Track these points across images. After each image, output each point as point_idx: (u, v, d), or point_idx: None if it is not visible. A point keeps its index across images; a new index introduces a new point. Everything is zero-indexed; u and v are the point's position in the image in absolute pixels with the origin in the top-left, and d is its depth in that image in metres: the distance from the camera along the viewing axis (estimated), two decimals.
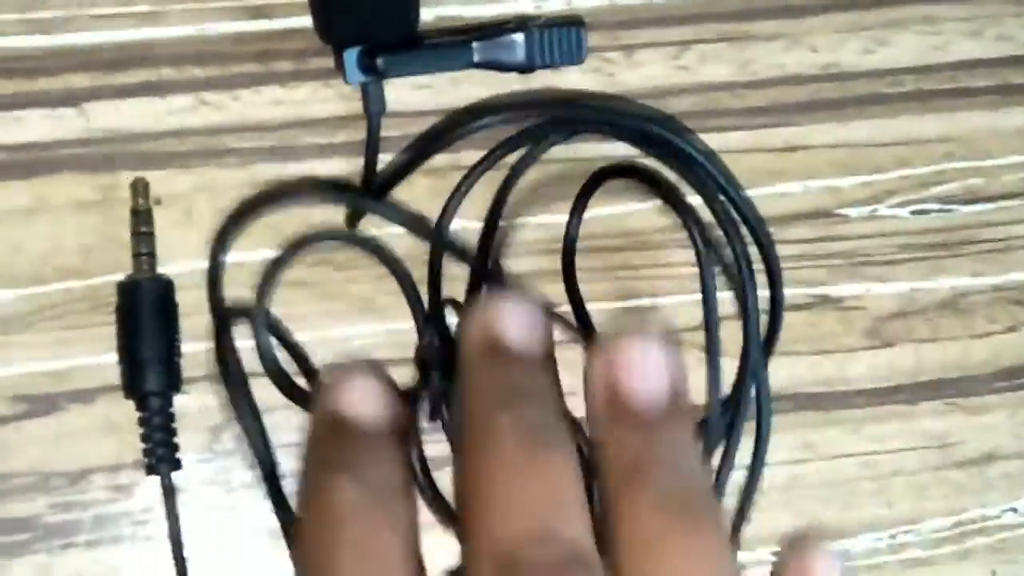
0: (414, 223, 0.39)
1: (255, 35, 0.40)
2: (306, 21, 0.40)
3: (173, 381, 0.38)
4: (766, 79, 0.42)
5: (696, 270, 0.39)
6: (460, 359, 0.23)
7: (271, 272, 0.37)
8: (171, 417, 0.38)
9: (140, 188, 0.38)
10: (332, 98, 0.40)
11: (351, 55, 0.38)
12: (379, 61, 0.38)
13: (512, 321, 0.23)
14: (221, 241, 0.37)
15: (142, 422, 0.38)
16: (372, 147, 0.39)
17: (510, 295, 0.23)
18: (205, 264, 0.39)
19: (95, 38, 0.39)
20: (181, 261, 0.39)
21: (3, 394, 0.38)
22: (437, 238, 0.39)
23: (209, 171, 0.39)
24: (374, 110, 0.39)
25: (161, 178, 0.39)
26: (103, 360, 0.38)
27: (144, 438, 0.38)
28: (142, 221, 0.38)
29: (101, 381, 0.38)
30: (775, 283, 0.40)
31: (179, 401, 0.38)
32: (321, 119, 0.40)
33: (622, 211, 0.41)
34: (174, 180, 0.39)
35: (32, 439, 0.38)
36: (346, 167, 0.40)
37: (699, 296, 0.39)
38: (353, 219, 0.39)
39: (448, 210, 0.39)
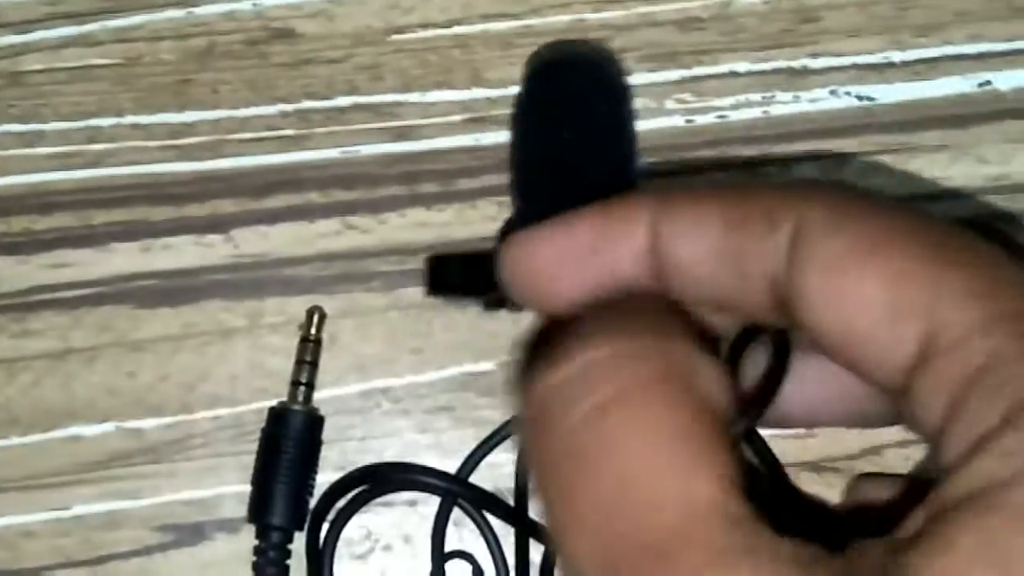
0: (502, 509, 0.38)
1: (400, 157, 0.39)
2: (450, 142, 0.39)
3: (298, 520, 0.37)
4: (931, 192, 0.39)
5: None
6: None
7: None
8: (287, 554, 0.37)
9: (316, 317, 0.38)
10: (477, 219, 0.39)
11: None
12: None
13: None
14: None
15: (258, 552, 0.37)
16: None
17: None
18: (346, 391, 0.38)
19: (242, 163, 0.39)
20: (323, 389, 0.38)
21: (150, 523, 0.38)
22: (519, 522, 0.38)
23: (354, 296, 0.39)
24: None
25: (306, 303, 0.38)
26: (249, 489, 0.38)
27: (255, 568, 0.37)
28: (309, 351, 0.38)
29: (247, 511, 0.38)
30: None
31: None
32: (465, 241, 0.39)
33: None
34: (319, 305, 0.39)
35: (179, 568, 0.38)
36: None
37: None
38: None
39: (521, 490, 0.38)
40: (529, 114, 0.36)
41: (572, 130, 0.34)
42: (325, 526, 0.37)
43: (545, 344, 0.22)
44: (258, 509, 0.37)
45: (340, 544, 0.38)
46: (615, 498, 0.19)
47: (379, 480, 0.38)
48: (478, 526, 0.37)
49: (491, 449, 0.38)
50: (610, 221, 0.25)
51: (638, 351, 0.21)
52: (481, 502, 0.37)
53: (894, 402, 0.23)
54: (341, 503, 0.37)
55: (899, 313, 0.21)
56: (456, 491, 0.37)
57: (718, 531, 0.19)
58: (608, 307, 0.23)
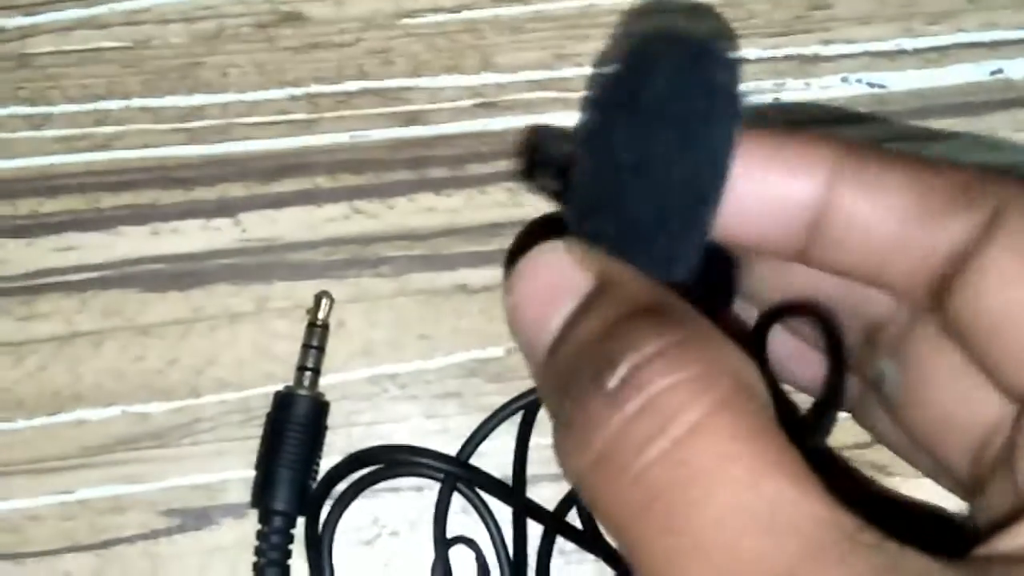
0: (499, 489, 0.37)
1: (409, 141, 0.39)
2: (459, 127, 0.39)
3: (301, 505, 0.37)
4: None
5: None
6: None
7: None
8: (290, 539, 0.37)
9: (324, 303, 0.38)
10: (486, 205, 0.39)
11: None
12: None
13: None
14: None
15: (260, 536, 0.37)
16: None
17: None
18: (354, 376, 0.38)
19: (251, 147, 0.39)
20: (330, 374, 0.38)
21: (157, 508, 0.38)
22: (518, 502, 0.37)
23: (362, 281, 0.39)
24: None
25: (314, 288, 0.38)
26: (255, 474, 0.38)
27: (258, 552, 0.37)
28: (317, 336, 0.38)
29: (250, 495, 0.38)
30: None
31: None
32: (474, 227, 0.39)
33: None
34: (327, 290, 0.38)
35: (184, 553, 0.38)
36: (498, 275, 0.39)
37: None
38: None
39: (519, 470, 0.38)
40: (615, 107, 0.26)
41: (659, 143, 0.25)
42: (325, 511, 0.37)
43: (582, 361, 0.21)
44: (262, 494, 0.37)
45: (347, 530, 0.37)
46: (730, 528, 0.18)
47: (382, 464, 0.37)
48: (475, 508, 0.37)
49: (491, 431, 0.38)
50: (789, 150, 0.24)
51: (701, 374, 0.20)
52: (479, 483, 0.37)
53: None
54: (342, 487, 0.37)
55: None
56: (455, 473, 0.37)
57: (848, 552, 0.18)
58: (644, 316, 0.21)
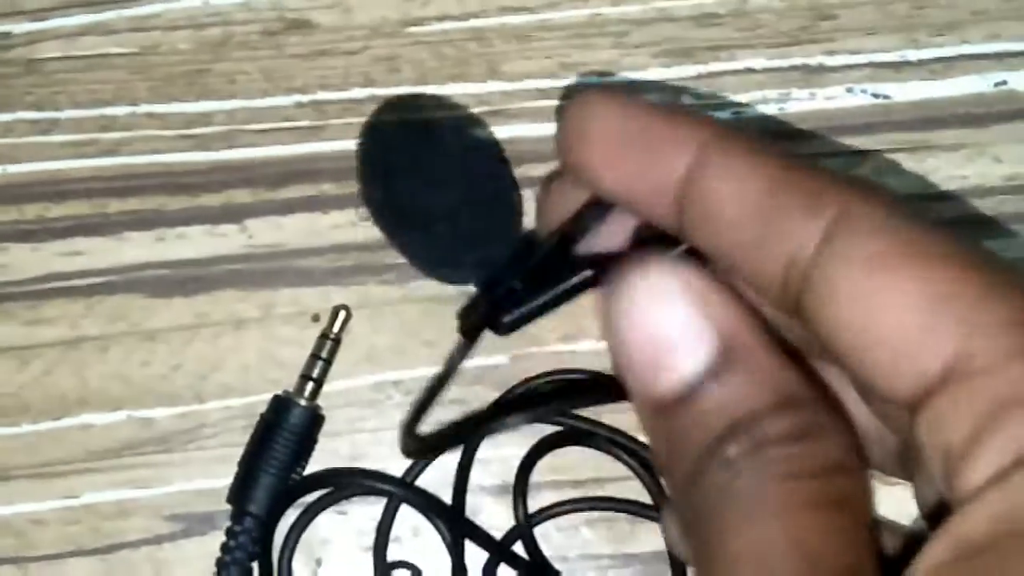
0: (441, 511, 0.38)
1: None
2: None
3: (276, 513, 0.37)
4: (946, 192, 0.39)
5: None
6: None
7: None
8: (256, 542, 0.37)
9: (340, 316, 0.38)
10: None
11: None
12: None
13: None
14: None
15: (229, 533, 0.37)
16: None
17: None
18: (358, 383, 0.38)
19: (257, 153, 0.39)
20: (335, 380, 0.38)
21: (160, 512, 0.38)
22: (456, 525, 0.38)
23: (368, 288, 0.39)
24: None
25: (320, 295, 0.38)
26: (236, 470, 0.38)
27: (223, 549, 0.37)
28: (326, 348, 0.38)
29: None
30: None
31: None
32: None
33: None
34: (331, 297, 0.39)
35: (188, 557, 0.38)
36: None
37: None
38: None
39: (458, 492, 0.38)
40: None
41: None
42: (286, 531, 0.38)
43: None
44: (240, 494, 0.37)
45: (350, 535, 0.38)
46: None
47: (331, 487, 0.38)
48: (433, 524, 0.38)
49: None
50: (668, 126, 0.24)
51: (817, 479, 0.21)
52: (420, 505, 0.37)
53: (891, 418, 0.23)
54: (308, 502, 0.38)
55: (935, 326, 0.20)
56: (398, 494, 0.37)
57: None
58: (775, 413, 0.22)
